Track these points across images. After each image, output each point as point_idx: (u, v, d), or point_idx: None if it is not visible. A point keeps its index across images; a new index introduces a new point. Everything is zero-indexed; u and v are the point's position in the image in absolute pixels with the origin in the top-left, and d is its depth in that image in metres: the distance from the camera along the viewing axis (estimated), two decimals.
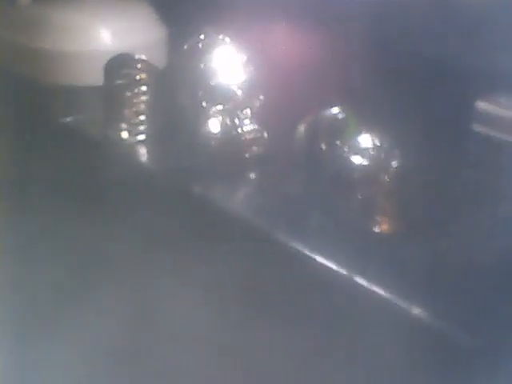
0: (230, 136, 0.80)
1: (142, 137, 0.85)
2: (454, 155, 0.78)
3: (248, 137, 0.80)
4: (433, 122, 0.78)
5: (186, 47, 0.84)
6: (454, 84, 0.83)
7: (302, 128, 0.78)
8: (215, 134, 0.81)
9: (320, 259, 0.63)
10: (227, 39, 0.83)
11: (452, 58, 0.84)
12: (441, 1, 0.85)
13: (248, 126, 0.80)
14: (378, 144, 0.66)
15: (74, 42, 1.01)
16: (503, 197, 0.73)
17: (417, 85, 0.81)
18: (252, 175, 0.80)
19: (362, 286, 0.61)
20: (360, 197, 0.66)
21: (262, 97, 0.82)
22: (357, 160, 0.66)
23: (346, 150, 0.67)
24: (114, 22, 1.03)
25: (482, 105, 0.83)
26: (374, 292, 0.60)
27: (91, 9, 1.04)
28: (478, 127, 0.83)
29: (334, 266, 0.63)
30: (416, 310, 0.57)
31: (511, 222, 0.69)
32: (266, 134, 0.81)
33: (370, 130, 0.68)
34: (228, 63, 0.82)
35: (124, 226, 0.82)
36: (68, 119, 0.92)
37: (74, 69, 1.00)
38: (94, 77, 0.90)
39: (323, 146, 0.75)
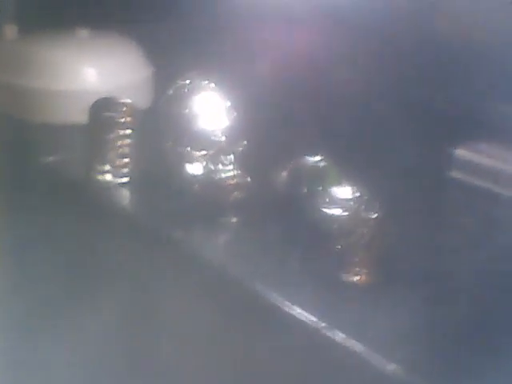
0: (212, 181, 0.81)
1: (125, 179, 0.86)
2: (434, 203, 0.79)
3: (230, 182, 0.81)
4: (412, 170, 0.79)
5: (171, 92, 0.85)
6: (433, 132, 0.85)
7: (283, 174, 0.80)
8: (198, 179, 0.82)
9: (296, 309, 0.64)
10: (212, 85, 0.85)
11: (431, 106, 0.85)
12: (420, 48, 0.86)
13: (231, 172, 0.81)
14: (358, 195, 0.67)
15: (58, 81, 1.01)
16: (485, 244, 0.74)
17: (397, 133, 0.82)
18: (233, 220, 0.81)
19: (337, 338, 0.61)
20: (339, 247, 0.66)
21: (245, 142, 0.83)
22: (336, 211, 0.67)
23: (326, 200, 0.68)
24: (99, 61, 1.04)
25: (460, 152, 0.85)
26: (349, 345, 0.60)
27: (77, 47, 1.05)
28: (457, 174, 0.84)
29: (310, 317, 0.64)
30: (391, 366, 0.57)
31: (493, 269, 0.70)
32: (248, 179, 0.83)
33: (350, 181, 0.69)
34: (212, 109, 0.83)
35: (104, 269, 0.83)
36: (50, 159, 0.92)
37: (58, 107, 1.00)
38: (78, 116, 0.91)
39: (304, 193, 0.76)
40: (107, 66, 1.03)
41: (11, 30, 1.09)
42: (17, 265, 0.90)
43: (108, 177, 0.86)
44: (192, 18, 0.99)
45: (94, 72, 1.02)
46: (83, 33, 1.07)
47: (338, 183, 0.72)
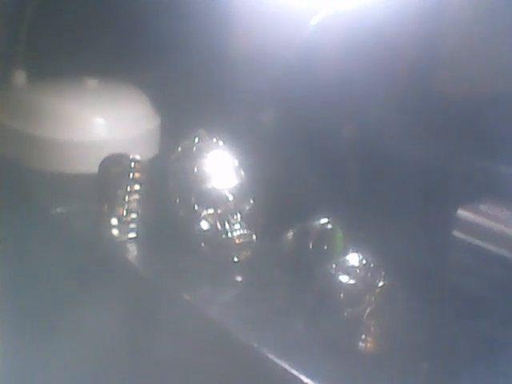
0: (219, 239, 0.82)
1: (132, 234, 0.87)
2: (442, 268, 0.80)
3: (238, 241, 0.82)
4: (417, 235, 0.80)
5: (179, 149, 0.86)
6: (438, 193, 0.85)
7: (290, 234, 0.80)
8: (205, 237, 0.82)
9: (303, 377, 0.64)
10: (220, 143, 0.86)
11: (437, 168, 0.86)
12: (424, 106, 0.87)
13: (238, 231, 0.82)
14: (365, 262, 0.68)
15: (66, 130, 1.01)
16: (492, 308, 0.74)
17: (402, 196, 0.83)
18: (239, 279, 0.81)
19: None
20: (346, 314, 0.67)
21: (251, 201, 0.84)
22: (344, 278, 0.68)
23: (333, 266, 0.69)
24: (108, 111, 1.05)
25: (466, 214, 0.85)
26: None
27: (86, 97, 1.06)
28: (461, 235, 0.85)
29: (315, 379, 0.64)
30: None
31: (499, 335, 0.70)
32: (254, 237, 0.83)
33: (357, 247, 0.70)
34: (220, 167, 0.84)
35: (109, 326, 0.83)
36: (58, 210, 0.93)
37: (65, 157, 1.00)
38: (86, 166, 0.92)
39: (310, 254, 0.76)
40: (116, 116, 1.03)
41: (20, 77, 1.10)
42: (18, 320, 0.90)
43: (115, 231, 0.87)
44: (201, 71, 1.01)
45: (102, 122, 1.03)
46: (92, 82, 1.07)
47: (345, 246, 0.73)
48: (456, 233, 0.82)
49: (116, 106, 1.06)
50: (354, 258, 0.68)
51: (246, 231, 0.82)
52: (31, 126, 1.02)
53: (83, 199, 0.94)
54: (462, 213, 0.84)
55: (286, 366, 0.65)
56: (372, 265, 0.68)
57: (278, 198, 0.86)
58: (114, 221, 0.87)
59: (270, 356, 0.66)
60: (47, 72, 1.07)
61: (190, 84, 1.00)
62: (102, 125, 1.03)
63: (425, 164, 0.83)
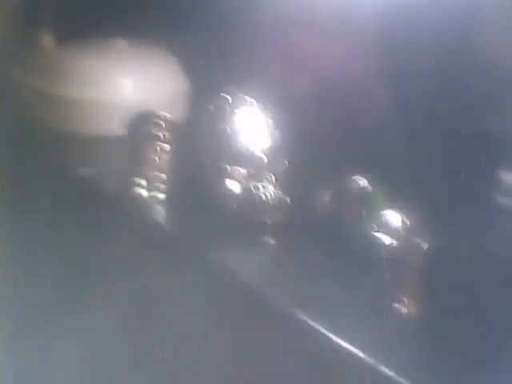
0: (251, 201, 0.78)
1: (161, 195, 0.84)
2: (487, 230, 0.75)
3: (270, 203, 0.79)
4: (464, 195, 0.76)
5: (211, 107, 0.82)
6: (485, 152, 0.81)
7: (326, 197, 0.77)
8: (237, 197, 0.79)
9: (336, 340, 0.61)
10: (253, 101, 0.82)
11: (483, 127, 0.82)
12: (465, 65, 0.83)
13: (271, 192, 0.79)
14: (407, 222, 0.64)
15: (96, 91, 0.99)
16: None
17: (447, 156, 0.79)
18: (272, 242, 0.78)
19: (381, 373, 0.58)
20: (386, 277, 0.63)
21: (286, 162, 0.80)
22: (384, 239, 0.64)
23: (373, 226, 0.65)
24: (137, 72, 1.02)
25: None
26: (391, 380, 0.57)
27: (115, 58, 1.03)
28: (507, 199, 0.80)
29: (352, 350, 0.60)
30: None
31: None
32: (288, 200, 0.80)
33: (398, 207, 0.66)
34: (253, 126, 0.81)
35: (136, 287, 0.80)
36: (85, 171, 0.90)
37: (94, 118, 0.98)
38: (115, 128, 0.89)
39: (348, 218, 0.73)
40: (146, 77, 1.00)
41: (48, 39, 1.08)
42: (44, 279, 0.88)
43: (144, 192, 0.84)
44: (233, 29, 0.97)
45: (132, 84, 1.00)
46: (122, 43, 1.05)
47: (385, 208, 0.69)
48: (502, 197, 0.78)
49: (144, 66, 1.03)
50: (395, 218, 0.64)
51: (279, 193, 0.79)
52: (59, 87, 1.00)
53: (111, 162, 0.91)
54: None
55: (321, 329, 0.62)
56: (415, 226, 0.64)
57: (314, 159, 0.82)
58: (143, 181, 0.84)
59: (301, 316, 0.63)
60: (75, 33, 1.05)
61: (221, 43, 0.96)
62: (132, 86, 1.00)
63: (468, 123, 0.79)
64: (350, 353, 0.60)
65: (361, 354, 0.59)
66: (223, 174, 0.79)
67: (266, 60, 0.92)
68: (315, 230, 0.75)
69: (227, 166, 0.79)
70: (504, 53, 0.81)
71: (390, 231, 0.64)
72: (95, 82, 1.00)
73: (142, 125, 0.85)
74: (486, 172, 0.78)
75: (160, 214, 0.83)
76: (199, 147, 0.82)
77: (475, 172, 0.78)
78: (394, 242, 0.63)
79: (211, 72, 0.94)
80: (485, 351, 0.60)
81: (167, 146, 0.84)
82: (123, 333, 0.81)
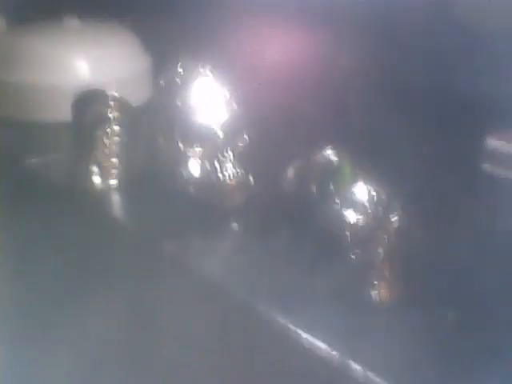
0: (209, 181, 0.72)
1: (114, 181, 0.77)
2: (462, 202, 0.69)
3: (230, 182, 0.72)
4: (437, 164, 0.69)
5: (162, 82, 0.75)
6: (458, 119, 0.74)
7: (289, 172, 0.70)
8: (193, 179, 0.72)
9: (303, 327, 0.54)
10: (208, 72, 0.75)
11: (458, 92, 0.75)
12: (451, 34, 0.76)
13: (230, 171, 0.72)
14: (375, 195, 0.58)
15: (46, 75, 0.93)
16: None
17: (418, 123, 0.72)
18: (233, 226, 0.71)
19: (349, 361, 0.52)
20: (353, 257, 0.57)
21: (246, 137, 0.74)
22: (351, 215, 0.57)
23: (338, 201, 0.58)
24: (89, 53, 0.95)
25: (490, 142, 0.75)
26: (363, 369, 0.51)
27: (66, 38, 0.97)
28: (486, 167, 0.74)
29: (319, 337, 0.54)
30: None
31: None
32: (250, 179, 0.73)
33: (366, 179, 0.59)
34: (209, 100, 0.74)
35: (90, 278, 0.74)
36: (34, 160, 0.83)
37: (45, 103, 0.92)
38: (66, 112, 0.82)
39: (314, 194, 0.66)
40: (95, 56, 0.94)
41: None
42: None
43: (95, 179, 0.77)
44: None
45: (83, 64, 0.93)
46: (72, 22, 0.98)
47: (353, 181, 0.62)
48: (482, 164, 0.71)
49: (97, 46, 0.97)
50: (361, 191, 0.58)
51: (239, 171, 0.72)
52: (8, 71, 0.94)
53: (62, 149, 0.85)
54: (490, 141, 0.73)
55: (284, 321, 0.55)
56: (383, 198, 0.57)
57: (276, 133, 0.76)
58: (94, 167, 0.78)
59: (268, 307, 0.56)
60: (25, 14, 0.98)
61: (176, 15, 0.89)
62: (83, 67, 0.94)
63: (444, 87, 0.72)
64: (315, 345, 0.54)
65: (325, 346, 0.53)
66: (177, 155, 0.73)
67: (224, 29, 0.85)
68: (279, 209, 0.68)
69: (181, 146, 0.73)
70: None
71: (355, 204, 0.57)
72: (44, 63, 0.94)
73: (89, 105, 0.78)
74: (460, 141, 0.71)
75: (112, 200, 0.76)
76: (152, 127, 0.75)
77: (448, 142, 0.71)
78: (361, 217, 0.56)
79: (164, 45, 0.87)
80: (458, 333, 0.54)
81: (118, 128, 0.78)
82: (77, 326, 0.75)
